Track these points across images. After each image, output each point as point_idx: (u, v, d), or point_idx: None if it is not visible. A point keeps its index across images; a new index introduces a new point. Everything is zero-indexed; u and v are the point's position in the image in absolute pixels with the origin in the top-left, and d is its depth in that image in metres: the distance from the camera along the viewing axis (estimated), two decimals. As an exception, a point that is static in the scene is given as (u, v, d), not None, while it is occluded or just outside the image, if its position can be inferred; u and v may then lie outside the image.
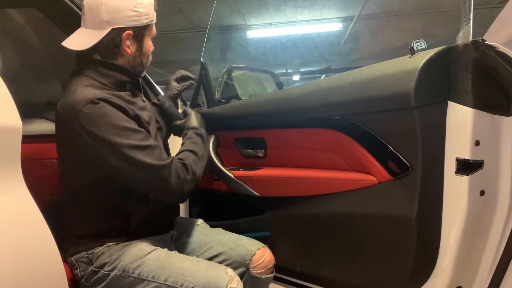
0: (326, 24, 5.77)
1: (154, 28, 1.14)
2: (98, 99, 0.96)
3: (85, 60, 1.07)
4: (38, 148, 1.28)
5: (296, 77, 9.91)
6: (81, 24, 1.08)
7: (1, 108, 0.77)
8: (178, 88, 1.31)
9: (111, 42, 1.04)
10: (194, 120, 1.25)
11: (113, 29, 1.03)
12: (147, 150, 0.98)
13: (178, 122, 1.28)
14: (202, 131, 1.21)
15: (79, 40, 1.05)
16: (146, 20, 1.07)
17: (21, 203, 0.80)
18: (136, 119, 1.04)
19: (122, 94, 1.06)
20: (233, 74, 1.87)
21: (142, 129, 1.03)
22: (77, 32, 1.07)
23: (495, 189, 0.96)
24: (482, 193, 0.94)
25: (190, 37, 5.79)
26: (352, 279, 1.17)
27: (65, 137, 1.03)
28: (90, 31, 1.04)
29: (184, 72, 1.35)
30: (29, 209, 0.81)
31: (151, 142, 1.02)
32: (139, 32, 1.08)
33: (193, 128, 1.21)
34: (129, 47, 1.07)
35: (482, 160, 0.93)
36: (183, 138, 1.20)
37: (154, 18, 1.12)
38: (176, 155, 1.10)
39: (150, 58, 1.17)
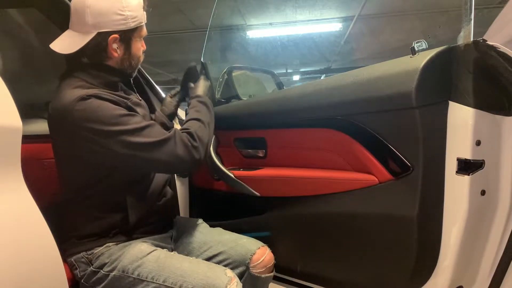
0: (326, 24, 5.77)
1: (144, 30, 1.12)
2: (88, 95, 0.96)
3: (74, 62, 1.07)
4: (38, 148, 1.28)
5: (296, 77, 9.91)
6: (69, 26, 1.07)
7: (1, 108, 0.77)
8: (173, 103, 1.29)
9: (97, 46, 1.03)
10: (200, 88, 1.23)
11: (99, 33, 1.02)
12: (146, 129, 0.98)
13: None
14: (206, 99, 1.20)
15: (65, 44, 1.04)
16: (134, 23, 1.05)
17: (21, 203, 0.80)
18: (129, 109, 1.03)
19: (114, 92, 1.06)
20: (233, 74, 1.87)
21: (137, 113, 1.02)
22: (65, 35, 1.06)
23: (496, 189, 0.96)
24: (483, 193, 0.94)
25: (190, 37, 5.79)
26: (353, 278, 1.17)
27: (62, 138, 1.03)
28: (76, 35, 1.03)
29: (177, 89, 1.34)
30: (29, 209, 0.81)
31: (148, 121, 1.01)
32: (125, 36, 1.06)
33: (197, 96, 1.20)
34: (116, 50, 1.06)
35: (483, 160, 0.92)
36: (188, 108, 1.19)
37: (143, 20, 1.09)
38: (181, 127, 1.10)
39: (141, 59, 1.15)
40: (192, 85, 1.26)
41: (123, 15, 1.03)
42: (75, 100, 0.95)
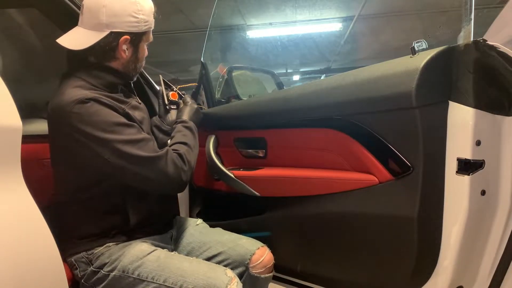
0: (326, 24, 5.77)
1: (151, 35, 1.14)
2: (88, 98, 0.96)
3: (77, 61, 1.07)
4: (38, 148, 1.28)
5: (296, 77, 9.91)
6: (78, 23, 1.07)
7: (1, 108, 0.77)
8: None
9: (108, 45, 1.04)
10: (186, 113, 1.25)
11: (111, 33, 1.03)
12: (141, 143, 0.99)
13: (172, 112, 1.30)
14: (191, 124, 1.21)
15: (76, 40, 1.04)
16: (145, 27, 1.08)
17: (21, 203, 0.80)
18: (127, 116, 1.03)
19: (113, 95, 1.06)
20: (233, 74, 1.88)
21: (134, 124, 1.02)
22: (74, 31, 1.06)
23: (496, 189, 0.96)
24: (483, 193, 0.94)
25: (190, 37, 5.79)
26: (353, 278, 1.17)
27: (58, 139, 1.03)
28: (88, 32, 1.04)
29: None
30: (29, 209, 0.81)
31: (144, 135, 1.02)
32: (136, 38, 1.08)
33: (182, 121, 1.21)
34: (125, 51, 1.08)
35: (483, 160, 0.93)
36: (172, 131, 1.20)
37: (152, 26, 1.12)
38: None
39: (143, 63, 1.18)
40: (182, 103, 1.29)
41: (137, 18, 1.05)
42: (73, 102, 0.95)
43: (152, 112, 1.38)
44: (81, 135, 0.95)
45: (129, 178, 1.01)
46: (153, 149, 1.01)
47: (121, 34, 1.04)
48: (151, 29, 1.12)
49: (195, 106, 1.29)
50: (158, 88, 1.43)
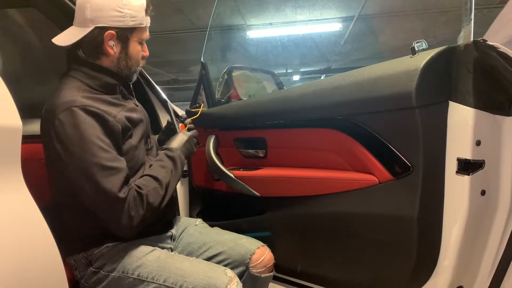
0: (326, 24, 5.77)
1: (145, 33, 1.11)
2: (77, 106, 0.94)
3: (71, 58, 1.08)
4: (38, 148, 1.28)
5: (296, 77, 9.91)
6: (73, 23, 1.08)
7: (1, 108, 0.77)
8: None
9: (93, 41, 1.04)
10: (174, 141, 1.18)
11: (95, 28, 1.03)
12: (109, 171, 0.94)
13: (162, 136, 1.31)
14: (176, 154, 1.13)
15: (65, 37, 1.05)
16: (132, 22, 1.05)
17: (21, 203, 0.80)
18: (120, 123, 1.01)
19: (108, 97, 1.05)
20: (233, 74, 1.87)
21: (112, 151, 0.97)
22: (66, 30, 1.08)
23: (496, 189, 0.96)
24: (483, 193, 0.94)
25: (190, 37, 5.79)
26: (353, 278, 1.17)
27: (46, 140, 1.02)
28: (76, 29, 1.05)
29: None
30: (29, 209, 0.81)
31: (117, 164, 0.96)
32: (122, 34, 1.06)
33: (167, 149, 1.15)
34: (112, 47, 1.06)
35: (483, 160, 0.93)
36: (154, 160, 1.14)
37: (144, 22, 1.08)
38: (140, 177, 1.05)
39: (140, 63, 1.14)
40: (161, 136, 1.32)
41: (122, 12, 1.03)
42: (61, 107, 0.95)
43: (151, 113, 1.37)
44: (58, 143, 0.95)
45: (85, 199, 0.97)
46: (119, 183, 0.95)
47: (105, 29, 1.03)
48: (143, 25, 1.08)
49: (189, 135, 1.22)
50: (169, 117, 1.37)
